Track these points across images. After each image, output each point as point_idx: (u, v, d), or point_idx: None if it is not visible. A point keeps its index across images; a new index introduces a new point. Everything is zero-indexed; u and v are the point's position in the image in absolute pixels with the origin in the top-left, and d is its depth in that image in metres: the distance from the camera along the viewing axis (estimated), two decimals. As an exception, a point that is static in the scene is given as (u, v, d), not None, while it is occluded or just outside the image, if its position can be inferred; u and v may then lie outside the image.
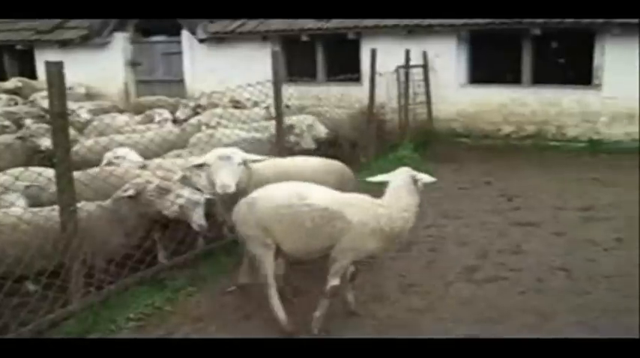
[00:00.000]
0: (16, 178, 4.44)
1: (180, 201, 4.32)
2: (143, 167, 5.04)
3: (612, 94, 8.93)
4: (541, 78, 9.73)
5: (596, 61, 9.08)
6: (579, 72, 9.70)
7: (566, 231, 5.60)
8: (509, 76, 10.17)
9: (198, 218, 4.35)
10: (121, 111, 8.38)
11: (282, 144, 6.00)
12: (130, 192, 4.19)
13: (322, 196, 3.77)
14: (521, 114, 9.64)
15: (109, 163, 5.09)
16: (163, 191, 4.24)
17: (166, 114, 7.09)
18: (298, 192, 3.75)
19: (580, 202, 6.42)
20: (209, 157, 4.16)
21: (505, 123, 9.76)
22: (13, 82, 11.38)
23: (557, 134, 9.43)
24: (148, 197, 4.19)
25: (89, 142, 5.78)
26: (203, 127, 6.58)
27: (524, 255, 5.08)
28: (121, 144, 5.50)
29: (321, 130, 6.86)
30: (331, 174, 4.58)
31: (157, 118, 7.01)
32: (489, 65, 9.99)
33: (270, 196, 3.75)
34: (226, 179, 3.99)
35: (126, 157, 5.14)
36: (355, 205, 3.70)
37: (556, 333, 3.73)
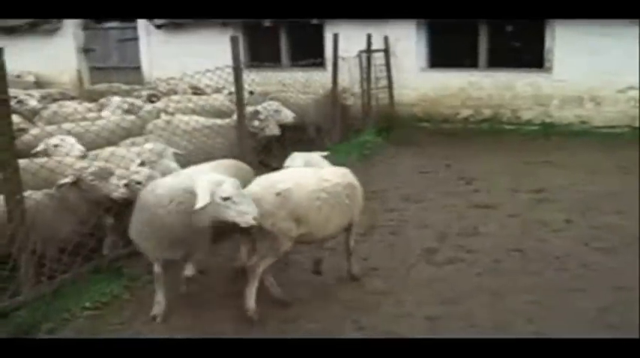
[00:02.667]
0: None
1: (136, 177, 4.26)
2: (83, 157, 4.88)
3: (563, 77, 9.15)
4: (497, 61, 9.88)
5: (547, 44, 9.25)
6: (532, 55, 9.90)
7: (521, 212, 5.76)
8: (467, 60, 10.31)
9: None
10: (72, 99, 8.07)
11: (243, 131, 5.93)
12: (69, 179, 4.10)
13: (332, 172, 4.08)
14: (478, 98, 9.80)
15: (45, 152, 4.91)
16: (104, 174, 4.15)
17: (117, 102, 6.82)
18: (315, 175, 3.93)
19: (533, 184, 6.59)
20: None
21: (463, 107, 9.91)
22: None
23: (512, 117, 9.62)
24: (89, 182, 4.11)
25: (35, 131, 5.56)
26: (161, 114, 6.43)
27: (481, 236, 5.20)
28: (69, 132, 5.31)
29: (288, 114, 6.83)
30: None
31: (108, 111, 6.73)
32: (448, 49, 10.09)
33: (299, 184, 3.75)
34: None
35: (64, 145, 4.98)
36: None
37: (509, 312, 3.85)
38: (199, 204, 3.30)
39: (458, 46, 10.23)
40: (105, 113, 6.62)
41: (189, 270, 3.79)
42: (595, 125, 9.02)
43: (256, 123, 6.18)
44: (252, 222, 3.36)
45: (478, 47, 9.84)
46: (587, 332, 3.52)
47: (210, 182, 3.39)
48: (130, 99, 7.12)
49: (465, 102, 9.88)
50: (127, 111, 6.76)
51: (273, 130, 6.32)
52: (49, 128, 5.61)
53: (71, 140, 5.06)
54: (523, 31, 10.32)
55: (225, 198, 3.34)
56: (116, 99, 6.91)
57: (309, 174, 3.94)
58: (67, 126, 5.58)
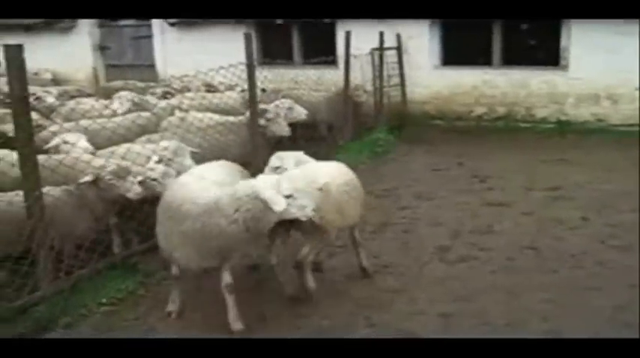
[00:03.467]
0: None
1: (152, 174, 4.32)
2: (92, 153, 4.94)
3: (578, 75, 9.06)
4: (511, 59, 9.81)
5: (563, 42, 9.18)
6: (548, 53, 9.81)
7: (535, 210, 5.71)
8: (481, 58, 10.24)
9: None
10: (89, 96, 8.16)
11: (255, 128, 5.95)
12: (89, 177, 4.15)
13: (344, 166, 4.27)
14: (492, 96, 9.73)
15: (57, 149, 4.97)
16: (122, 173, 4.19)
17: (128, 97, 6.87)
18: (336, 169, 4.16)
19: (548, 182, 6.54)
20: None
21: (477, 105, 9.84)
22: (-27, 67, 10.98)
23: (526, 115, 9.54)
24: (107, 181, 4.15)
25: (53, 127, 5.63)
26: (175, 111, 6.47)
27: (495, 234, 5.17)
28: (86, 129, 5.37)
29: (300, 112, 6.83)
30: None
31: (117, 103, 6.78)
32: (462, 47, 10.03)
33: (333, 177, 3.96)
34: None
35: (75, 144, 5.03)
36: None
37: (524, 310, 3.83)
38: (278, 208, 3.28)
39: (471, 44, 10.17)
40: (114, 105, 6.67)
41: (227, 278, 3.66)
42: (612, 123, 8.92)
43: (262, 121, 6.06)
44: (311, 214, 3.40)
45: (492, 45, 9.77)
46: (602, 331, 3.49)
47: (271, 184, 3.39)
48: (136, 95, 7.15)
49: (479, 100, 9.81)
50: (136, 105, 6.81)
51: (281, 130, 6.17)
52: (67, 125, 5.67)
53: (80, 138, 5.11)
54: (538, 29, 10.24)
55: (288, 196, 3.36)
56: (124, 93, 6.96)
57: (332, 169, 4.15)
58: (84, 123, 5.65)
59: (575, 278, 4.27)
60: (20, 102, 3.59)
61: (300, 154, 4.42)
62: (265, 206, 3.30)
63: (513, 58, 9.78)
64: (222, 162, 4.38)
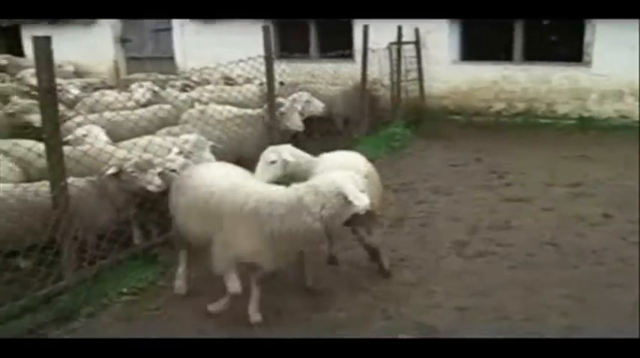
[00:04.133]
0: (6, 152, 4.43)
1: (170, 165, 4.37)
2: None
3: (602, 71, 8.94)
4: (533, 55, 9.70)
5: (587, 38, 9.06)
6: (570, 49, 9.68)
7: (556, 206, 5.66)
8: (502, 54, 10.14)
9: None
10: (111, 88, 8.27)
11: (273, 122, 5.97)
12: (113, 169, 4.20)
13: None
14: (511, 92, 9.64)
15: (77, 141, 5.04)
16: (144, 166, 4.24)
17: (148, 87, 6.95)
18: (360, 156, 4.24)
19: (569, 179, 6.48)
20: None
21: (496, 101, 9.76)
22: (-2, 60, 11.20)
23: (547, 111, 9.45)
24: (129, 173, 4.20)
25: (78, 118, 5.73)
26: (195, 104, 6.53)
27: (514, 230, 5.14)
28: (109, 121, 5.44)
29: (318, 105, 6.83)
30: None
31: (140, 92, 6.86)
32: (481, 42, 9.94)
33: (365, 166, 4.08)
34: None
35: (92, 136, 5.10)
36: None
37: (543, 306, 3.81)
38: (360, 203, 3.28)
39: (491, 40, 10.07)
40: (137, 94, 6.74)
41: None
42: (635, 119, 8.77)
43: (276, 115, 6.00)
44: (369, 204, 3.40)
45: (513, 41, 9.67)
46: (622, 327, 3.47)
47: (348, 179, 3.39)
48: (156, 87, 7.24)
49: (498, 96, 9.73)
50: (155, 96, 6.89)
51: (294, 124, 6.09)
52: (91, 116, 5.75)
53: (97, 130, 5.18)
54: (561, 25, 10.08)
55: (362, 190, 3.39)
56: (146, 83, 7.03)
57: (359, 157, 4.24)
58: (107, 114, 5.73)
59: (596, 275, 4.23)
60: (48, 93, 3.63)
61: (291, 147, 4.36)
62: (346, 201, 3.29)
63: (535, 54, 9.67)
64: (221, 164, 4.35)
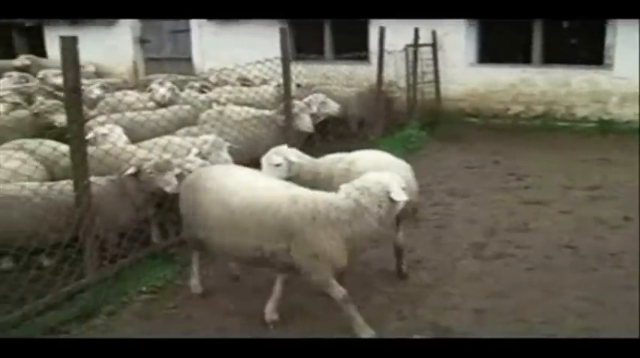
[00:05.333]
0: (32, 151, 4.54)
1: (189, 166, 4.43)
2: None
3: (624, 74, 8.84)
4: (552, 58, 9.63)
5: (608, 40, 8.98)
6: (590, 52, 9.58)
7: (574, 209, 5.62)
8: (520, 56, 10.07)
9: None
10: (132, 89, 8.40)
11: (290, 123, 6.01)
12: (131, 170, 4.26)
13: None
14: (530, 94, 9.58)
15: (97, 139, 5.13)
16: (162, 167, 4.28)
17: (169, 86, 7.06)
18: None
19: (588, 181, 6.42)
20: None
21: (514, 103, 9.69)
22: (21, 60, 11.41)
23: (566, 114, 9.37)
24: (148, 174, 4.25)
25: (102, 118, 5.83)
26: (213, 104, 6.60)
27: (532, 232, 5.12)
28: (131, 120, 5.53)
29: (333, 106, 6.86)
30: None
31: (164, 89, 6.97)
32: (499, 44, 9.89)
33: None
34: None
35: (112, 135, 5.18)
36: None
37: (561, 308, 3.79)
38: (402, 198, 3.36)
39: (509, 42, 10.03)
40: (161, 91, 6.84)
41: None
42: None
43: (282, 116, 6.03)
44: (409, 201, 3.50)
45: (532, 43, 9.60)
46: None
47: (392, 177, 3.45)
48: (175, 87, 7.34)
49: (516, 99, 9.67)
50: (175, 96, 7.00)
51: (304, 125, 6.08)
52: (114, 116, 5.84)
53: (118, 130, 5.27)
54: (581, 28, 10.00)
55: (403, 189, 3.46)
56: (168, 84, 7.13)
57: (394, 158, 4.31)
58: (129, 114, 5.82)
59: (614, 277, 4.20)
60: (73, 93, 3.70)
61: (290, 149, 4.42)
62: (391, 199, 3.34)
63: (554, 57, 9.60)
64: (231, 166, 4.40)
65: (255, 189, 3.51)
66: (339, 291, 3.39)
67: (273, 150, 4.37)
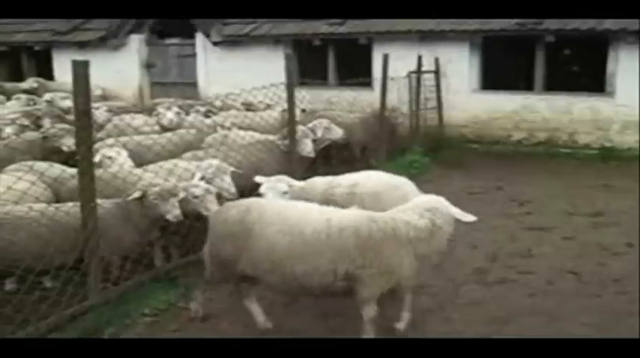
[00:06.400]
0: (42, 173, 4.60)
1: (194, 190, 4.46)
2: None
3: (625, 102, 8.94)
4: (554, 85, 9.75)
5: (610, 68, 9.10)
6: (592, 79, 9.70)
7: (577, 235, 5.64)
8: (522, 83, 10.19)
9: (211, 205, 4.47)
10: (139, 112, 8.52)
11: (293, 147, 6.05)
12: (136, 194, 4.29)
13: None
14: (532, 121, 9.67)
15: (102, 162, 5.19)
16: (166, 195, 4.30)
17: (173, 112, 7.20)
18: None
19: (590, 208, 6.45)
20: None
21: (516, 130, 9.78)
22: (29, 83, 11.60)
23: (568, 141, 9.45)
24: (152, 200, 4.28)
25: (110, 141, 5.90)
26: (218, 128, 6.67)
27: (534, 258, 5.12)
28: (139, 144, 5.59)
29: (337, 132, 6.93)
30: None
31: (164, 119, 7.10)
32: (501, 71, 10.02)
33: None
34: None
35: (116, 159, 5.23)
36: None
37: (564, 333, 3.78)
38: (471, 218, 3.74)
39: (511, 70, 10.16)
40: (169, 114, 7.05)
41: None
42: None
43: (286, 141, 6.07)
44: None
45: (534, 71, 9.73)
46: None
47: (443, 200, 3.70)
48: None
49: (519, 125, 9.75)
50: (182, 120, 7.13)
51: (304, 150, 6.11)
52: (122, 139, 5.92)
53: (125, 154, 5.32)
54: (583, 55, 10.14)
55: None
56: (175, 108, 7.28)
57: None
58: (137, 138, 5.91)
59: (617, 303, 4.19)
60: (84, 116, 3.77)
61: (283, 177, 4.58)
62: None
63: (556, 85, 9.73)
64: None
65: (323, 214, 3.56)
66: (373, 310, 3.51)
67: (277, 177, 4.45)
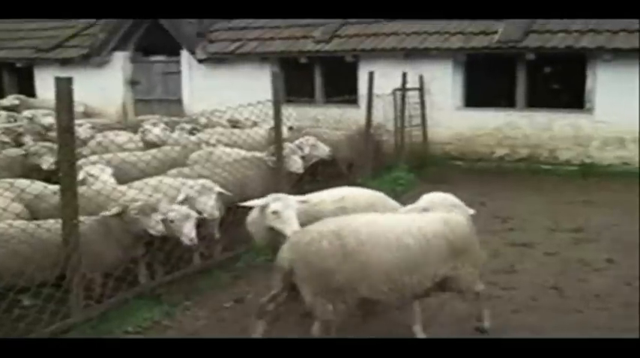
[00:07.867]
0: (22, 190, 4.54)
1: (171, 215, 4.40)
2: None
3: (604, 118, 9.13)
4: (535, 102, 9.93)
5: (589, 85, 9.30)
6: (572, 96, 9.90)
7: (559, 251, 5.70)
8: (504, 100, 10.37)
9: (188, 231, 4.41)
10: (123, 129, 8.48)
11: (280, 165, 6.07)
12: (115, 210, 4.26)
13: None
14: (514, 138, 9.81)
15: (85, 179, 5.15)
16: (147, 210, 4.27)
17: (159, 128, 7.19)
18: None
19: (572, 224, 6.53)
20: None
21: (499, 147, 9.91)
22: (9, 100, 11.47)
23: (549, 157, 9.59)
24: (133, 215, 4.24)
25: (94, 157, 5.87)
26: (203, 145, 6.67)
27: (517, 274, 5.17)
28: (123, 160, 5.57)
29: (324, 149, 6.97)
30: None
31: (150, 134, 7.09)
32: (484, 89, 10.19)
33: None
34: None
35: (99, 176, 5.20)
36: None
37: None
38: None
39: (495, 87, 10.33)
40: (156, 130, 7.09)
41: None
42: (637, 166, 8.87)
43: (274, 158, 6.06)
44: None
45: (516, 88, 9.90)
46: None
47: None
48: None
49: (501, 142, 9.88)
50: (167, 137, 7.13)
51: (293, 166, 6.16)
52: (106, 156, 5.89)
53: (109, 171, 5.30)
54: (563, 73, 10.34)
55: None
56: (161, 124, 7.29)
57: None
58: (122, 154, 5.88)
59: (599, 319, 4.24)
60: (66, 132, 3.75)
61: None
62: None
63: (537, 101, 9.90)
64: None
65: (412, 222, 3.69)
66: (481, 284, 3.93)
67: (274, 195, 4.33)
